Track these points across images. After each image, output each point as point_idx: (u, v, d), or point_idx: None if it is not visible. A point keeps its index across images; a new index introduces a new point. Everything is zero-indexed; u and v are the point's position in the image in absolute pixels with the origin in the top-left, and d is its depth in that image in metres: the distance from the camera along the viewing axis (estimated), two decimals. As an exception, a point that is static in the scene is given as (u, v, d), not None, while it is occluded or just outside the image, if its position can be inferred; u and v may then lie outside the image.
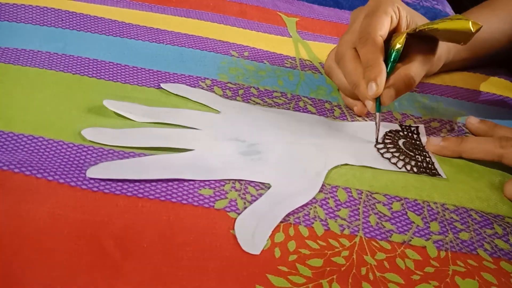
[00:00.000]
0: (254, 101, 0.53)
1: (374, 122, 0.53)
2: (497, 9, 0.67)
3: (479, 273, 0.39)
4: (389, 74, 0.50)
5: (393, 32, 0.53)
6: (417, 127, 0.54)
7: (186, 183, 0.41)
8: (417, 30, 0.50)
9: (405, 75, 0.50)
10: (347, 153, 0.48)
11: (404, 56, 0.51)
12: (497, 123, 0.57)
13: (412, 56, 0.51)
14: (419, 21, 0.55)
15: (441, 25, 0.49)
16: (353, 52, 0.52)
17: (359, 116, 0.54)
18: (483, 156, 0.49)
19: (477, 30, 0.47)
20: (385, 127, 0.53)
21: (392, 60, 0.50)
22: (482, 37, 0.64)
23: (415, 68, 0.50)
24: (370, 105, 0.49)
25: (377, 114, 0.50)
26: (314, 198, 0.42)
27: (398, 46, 0.50)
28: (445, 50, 0.59)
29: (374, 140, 0.50)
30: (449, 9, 0.87)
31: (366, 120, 0.54)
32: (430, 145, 0.51)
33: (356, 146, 0.49)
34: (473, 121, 0.54)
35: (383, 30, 0.51)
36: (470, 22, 0.47)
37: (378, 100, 0.49)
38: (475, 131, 0.55)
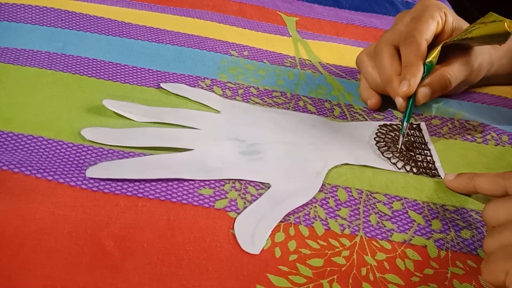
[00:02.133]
0: (253, 100, 0.53)
1: (374, 122, 0.53)
2: None
3: (476, 276, 0.39)
4: (424, 78, 0.51)
5: (439, 37, 0.54)
6: (418, 125, 0.54)
7: (186, 183, 0.41)
8: (450, 42, 0.51)
9: (441, 75, 0.51)
10: (347, 153, 0.48)
11: (443, 59, 0.52)
12: (496, 123, 0.57)
13: (451, 59, 0.52)
14: (462, 25, 0.55)
15: (475, 32, 0.49)
16: (391, 49, 0.53)
17: (373, 109, 0.55)
18: (494, 192, 0.42)
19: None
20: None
21: (425, 72, 0.51)
22: None
23: (452, 71, 0.52)
24: (400, 102, 0.50)
25: (406, 124, 0.50)
26: (314, 197, 0.42)
27: (430, 62, 0.51)
28: (487, 61, 0.58)
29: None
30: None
31: (366, 120, 0.54)
32: (446, 182, 0.47)
33: (356, 145, 0.49)
34: (449, 178, 0.47)
35: (429, 34, 0.51)
36: (505, 23, 0.48)
37: (409, 109, 0.50)
38: (453, 188, 0.46)
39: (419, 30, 0.51)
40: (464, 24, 0.56)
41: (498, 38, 0.49)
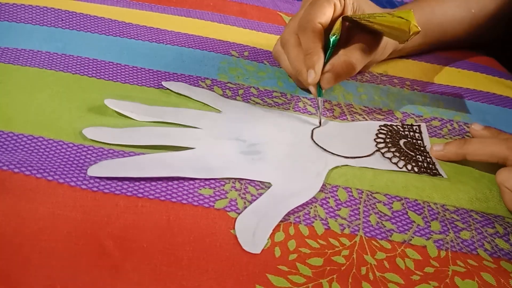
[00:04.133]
0: (254, 101, 0.53)
1: (374, 122, 0.53)
2: None
3: (479, 273, 0.39)
4: (328, 60, 0.51)
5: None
6: (419, 126, 0.54)
7: (186, 183, 0.41)
8: (354, 18, 0.50)
9: (344, 61, 0.51)
10: (347, 153, 0.48)
11: (347, 42, 0.52)
12: (495, 122, 0.57)
13: (355, 43, 0.52)
14: (367, 8, 0.56)
15: (378, 19, 0.49)
16: (296, 39, 0.53)
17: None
18: (487, 158, 0.48)
19: (415, 33, 0.47)
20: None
21: (330, 47, 0.51)
22: (438, 22, 0.65)
23: (356, 55, 0.51)
24: (313, 90, 0.51)
25: (319, 99, 0.51)
26: (314, 197, 0.42)
27: (333, 33, 0.51)
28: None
29: (318, 125, 0.51)
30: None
31: (366, 120, 0.54)
32: (433, 152, 0.50)
33: (357, 146, 0.49)
34: (477, 128, 0.53)
35: (324, 18, 0.51)
36: (410, 24, 0.47)
37: (319, 86, 0.51)
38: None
39: (313, 15, 0.51)
40: (368, 6, 0.56)
41: (399, 35, 0.49)
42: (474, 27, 0.69)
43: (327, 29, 0.52)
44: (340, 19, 0.51)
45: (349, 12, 0.54)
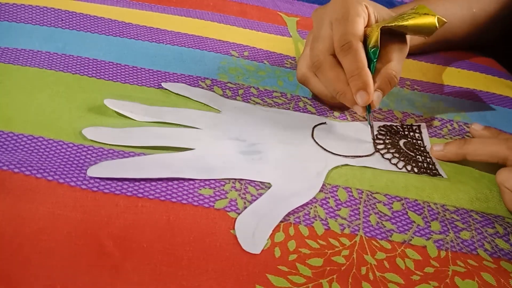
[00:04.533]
0: (254, 101, 0.53)
1: (374, 123, 0.53)
2: None
3: (479, 273, 0.39)
4: (373, 74, 0.49)
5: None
6: (419, 126, 0.54)
7: (186, 183, 0.41)
8: (387, 27, 0.49)
9: (388, 74, 0.49)
10: (347, 153, 0.48)
11: (380, 53, 0.51)
12: (495, 122, 0.57)
13: (389, 54, 0.51)
14: (383, 13, 0.55)
15: (410, 21, 0.49)
16: (331, 60, 0.50)
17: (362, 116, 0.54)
18: (487, 158, 0.47)
19: (442, 25, 0.49)
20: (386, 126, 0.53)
21: (374, 61, 0.49)
22: None
23: (395, 66, 0.50)
24: (360, 111, 0.49)
25: (370, 115, 0.50)
26: (314, 197, 0.42)
27: (374, 46, 0.49)
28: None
29: (372, 140, 0.50)
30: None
31: (366, 120, 0.54)
32: (433, 152, 0.50)
33: (357, 146, 0.49)
34: (477, 128, 0.53)
35: (361, 34, 0.50)
36: (436, 18, 0.49)
37: (369, 112, 0.50)
38: (479, 138, 0.53)
39: (352, 34, 0.49)
40: (383, 11, 0.55)
41: (426, 31, 0.50)
42: (475, 26, 0.69)
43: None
44: (379, 30, 0.49)
45: (372, 21, 0.53)
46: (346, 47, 0.48)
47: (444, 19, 0.49)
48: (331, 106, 0.55)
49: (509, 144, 0.46)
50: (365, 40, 0.50)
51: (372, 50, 0.49)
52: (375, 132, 0.51)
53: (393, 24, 0.50)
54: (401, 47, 0.52)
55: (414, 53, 0.68)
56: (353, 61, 0.48)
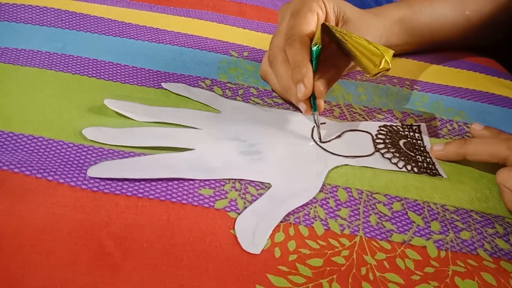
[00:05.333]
0: (254, 101, 0.53)
1: (374, 122, 0.53)
2: None
3: (479, 273, 0.39)
4: (315, 70, 0.48)
5: None
6: (418, 126, 0.54)
7: (186, 183, 0.41)
8: (331, 28, 0.48)
9: (331, 67, 0.49)
10: (347, 153, 0.48)
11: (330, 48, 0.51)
12: (495, 122, 0.57)
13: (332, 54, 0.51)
14: (349, 10, 0.54)
15: (354, 40, 0.47)
16: (283, 55, 0.50)
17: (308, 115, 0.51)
18: (487, 158, 0.47)
19: (384, 70, 0.45)
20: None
21: (314, 58, 0.48)
22: (426, 21, 0.63)
23: (338, 59, 0.50)
24: (304, 108, 0.48)
25: (315, 113, 0.49)
26: (314, 198, 0.42)
27: (315, 43, 0.48)
28: (379, 32, 0.58)
29: (318, 140, 0.49)
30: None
31: (366, 120, 0.54)
32: (433, 152, 0.50)
33: (356, 146, 0.49)
34: (477, 128, 0.53)
35: (310, 29, 0.49)
36: (383, 58, 0.45)
37: (313, 99, 0.48)
38: (479, 137, 0.53)
39: (298, 28, 0.49)
40: (350, 8, 0.54)
41: (367, 65, 0.46)
42: (469, 30, 0.67)
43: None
44: (320, 27, 0.49)
45: (331, 18, 0.52)
46: (290, 40, 0.49)
47: (389, 66, 0.45)
48: (289, 103, 0.54)
49: (509, 144, 0.46)
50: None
51: (314, 47, 0.48)
52: (375, 133, 0.51)
53: (333, 29, 0.48)
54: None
55: (399, 53, 0.66)
56: (296, 54, 0.48)
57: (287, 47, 0.49)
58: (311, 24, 0.50)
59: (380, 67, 0.45)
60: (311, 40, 0.49)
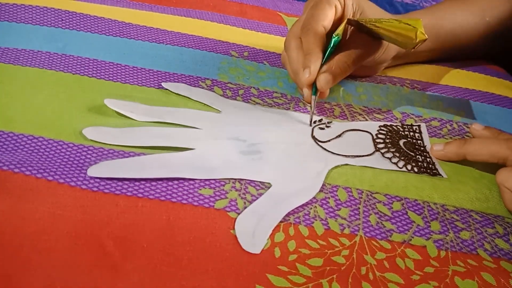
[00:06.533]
0: (254, 101, 0.53)
1: (374, 122, 0.53)
2: (470, 3, 0.67)
3: (479, 273, 0.39)
4: (327, 61, 0.50)
5: (339, 21, 0.54)
6: (419, 126, 0.54)
7: (186, 183, 0.41)
8: (360, 21, 0.50)
9: (339, 60, 0.51)
10: (347, 153, 0.48)
11: (348, 45, 0.52)
12: (495, 122, 0.57)
13: (352, 43, 0.52)
14: (367, 8, 0.56)
15: (385, 24, 0.49)
16: (298, 42, 0.53)
17: (308, 103, 0.53)
18: (487, 158, 0.47)
19: (421, 42, 0.47)
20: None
21: (330, 47, 0.50)
22: (449, 28, 0.64)
23: (351, 53, 0.51)
24: (306, 93, 0.51)
25: (313, 97, 0.50)
26: (314, 197, 0.42)
27: (336, 34, 0.50)
28: None
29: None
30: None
31: (366, 120, 0.54)
32: (433, 151, 0.50)
33: (356, 145, 0.49)
34: (477, 128, 0.53)
35: (326, 20, 0.52)
36: (417, 32, 0.47)
37: (315, 86, 0.50)
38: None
39: (315, 18, 0.51)
40: (369, 6, 0.56)
41: (404, 42, 0.49)
42: (488, 35, 0.67)
43: (330, 31, 0.52)
44: (345, 21, 0.51)
45: (349, 13, 0.54)
46: (306, 29, 0.51)
47: (425, 36, 0.47)
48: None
49: (509, 144, 0.46)
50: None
51: (334, 38, 0.50)
52: (375, 132, 0.51)
53: (363, 21, 0.50)
54: (367, 45, 0.53)
55: (423, 61, 0.67)
56: (309, 42, 0.50)
57: (302, 35, 0.51)
58: (328, 16, 0.52)
59: (417, 40, 0.47)
60: (328, 33, 0.51)
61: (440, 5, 0.67)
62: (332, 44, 0.50)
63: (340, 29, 0.50)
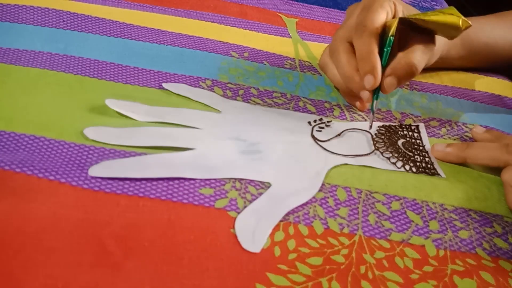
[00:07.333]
0: (254, 101, 0.53)
1: (373, 122, 0.53)
2: (507, 19, 0.67)
3: (478, 272, 0.39)
4: (385, 63, 0.49)
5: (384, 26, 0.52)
6: (417, 126, 0.54)
7: (186, 183, 0.41)
8: (410, 19, 0.50)
9: (406, 62, 0.49)
10: (346, 153, 0.48)
11: (404, 45, 0.51)
12: (494, 122, 0.57)
13: (413, 44, 0.51)
14: (406, 10, 0.55)
15: (432, 17, 0.49)
16: (347, 46, 0.51)
17: (361, 111, 0.54)
18: (488, 162, 0.48)
19: (466, 27, 0.48)
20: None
21: (386, 48, 0.49)
22: (483, 40, 0.64)
23: (417, 56, 0.50)
24: (366, 95, 0.49)
25: (375, 101, 0.50)
26: (313, 197, 0.43)
27: (390, 33, 0.49)
28: (442, 42, 0.59)
29: (369, 128, 0.51)
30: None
31: (365, 120, 0.54)
32: (434, 151, 0.50)
33: (356, 145, 0.50)
34: (478, 131, 0.53)
35: (379, 23, 0.50)
36: (460, 19, 0.48)
37: (377, 89, 0.49)
38: (480, 141, 0.53)
39: (369, 20, 0.50)
40: (412, 10, 0.55)
41: (450, 31, 0.50)
42: None
43: (380, 35, 0.51)
44: (397, 20, 0.49)
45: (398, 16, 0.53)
46: (360, 32, 0.49)
47: (469, 22, 0.48)
48: (346, 95, 0.55)
49: (509, 149, 0.47)
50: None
51: (386, 39, 0.49)
52: (374, 132, 0.52)
53: (413, 17, 0.50)
54: (428, 42, 0.52)
55: (455, 67, 0.67)
56: (364, 45, 0.48)
57: (355, 38, 0.50)
58: (381, 18, 0.50)
59: (463, 28, 0.49)
60: (380, 34, 0.50)
61: (480, 18, 0.67)
62: (386, 46, 0.49)
63: (392, 29, 0.49)
